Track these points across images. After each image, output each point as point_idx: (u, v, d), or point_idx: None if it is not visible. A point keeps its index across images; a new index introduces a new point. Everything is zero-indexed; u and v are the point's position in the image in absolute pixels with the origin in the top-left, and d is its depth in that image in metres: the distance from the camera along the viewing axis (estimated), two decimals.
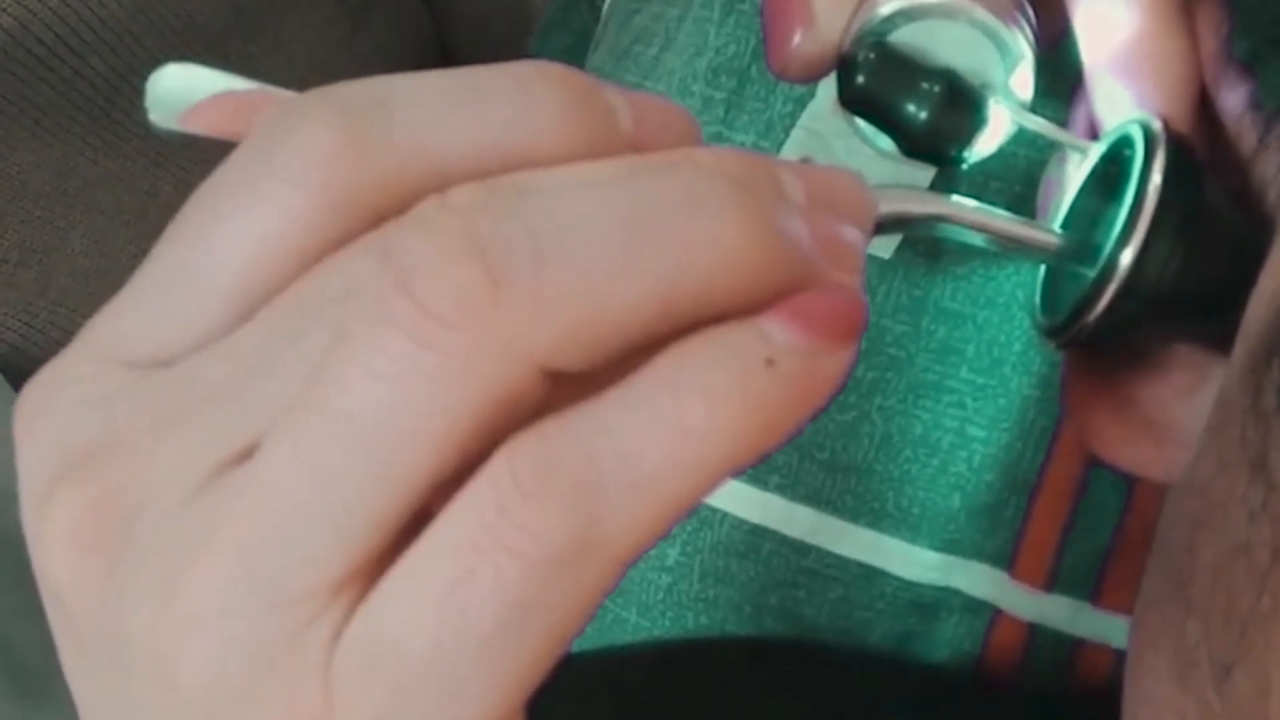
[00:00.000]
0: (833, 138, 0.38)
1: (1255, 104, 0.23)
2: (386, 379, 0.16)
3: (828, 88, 0.39)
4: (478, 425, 0.16)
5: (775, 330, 0.17)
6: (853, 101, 0.26)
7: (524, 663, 0.16)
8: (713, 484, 0.17)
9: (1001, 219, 0.23)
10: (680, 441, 0.16)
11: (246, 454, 0.17)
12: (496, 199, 0.17)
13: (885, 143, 0.27)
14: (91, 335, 0.18)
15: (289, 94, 0.19)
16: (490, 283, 0.16)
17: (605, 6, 0.47)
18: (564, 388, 0.17)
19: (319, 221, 0.17)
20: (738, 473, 0.17)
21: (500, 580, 0.16)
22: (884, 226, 0.21)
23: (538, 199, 0.17)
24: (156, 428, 0.18)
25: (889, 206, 0.20)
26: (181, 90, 0.20)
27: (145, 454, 0.17)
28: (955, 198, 0.23)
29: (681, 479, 0.16)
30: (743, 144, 0.40)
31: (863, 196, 0.19)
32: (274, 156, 0.17)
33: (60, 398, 0.18)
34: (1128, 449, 0.24)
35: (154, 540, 0.17)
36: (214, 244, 0.18)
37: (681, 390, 0.16)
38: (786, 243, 0.17)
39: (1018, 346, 0.37)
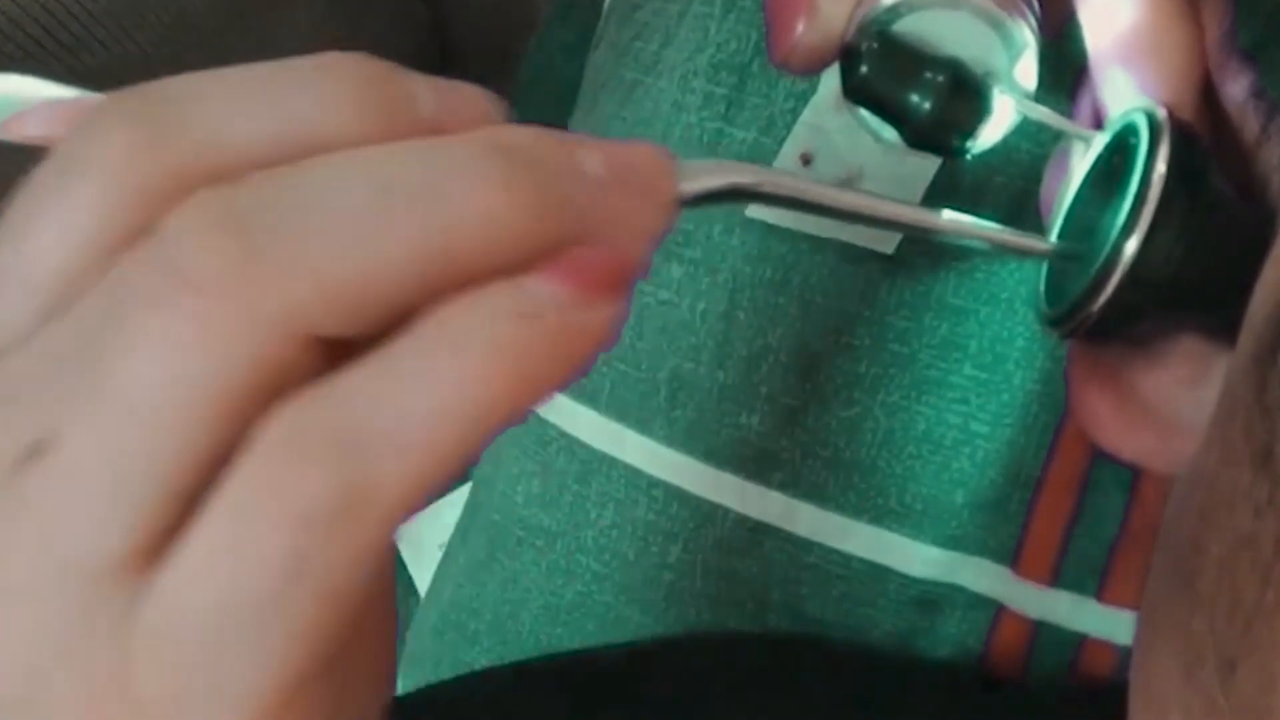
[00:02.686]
0: (835, 132, 0.38)
1: (1258, 93, 0.23)
2: (154, 355, 0.17)
3: (830, 83, 0.39)
4: (248, 394, 0.17)
5: (535, 285, 0.17)
6: (856, 92, 0.26)
7: (309, 623, 0.17)
8: (478, 438, 0.17)
9: (830, 190, 0.22)
10: (438, 396, 0.17)
11: (48, 444, 0.17)
12: (265, 179, 0.17)
13: (889, 133, 0.27)
14: None
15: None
16: (242, 251, 0.16)
17: (606, 2, 0.46)
18: (350, 356, 0.17)
19: (118, 215, 0.18)
20: (508, 424, 0.17)
21: (269, 544, 0.16)
22: (710, 198, 0.21)
23: (303, 176, 0.17)
24: None
25: (697, 183, 0.21)
26: (9, 99, 0.20)
27: None
28: (785, 171, 0.23)
29: (443, 433, 0.17)
30: (744, 140, 0.39)
31: (661, 170, 0.20)
32: (77, 156, 0.18)
33: None
34: (1130, 439, 0.24)
35: None
36: (24, 244, 0.18)
37: (438, 346, 0.17)
38: (554, 208, 0.18)
39: (1020, 342, 0.37)
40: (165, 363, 0.16)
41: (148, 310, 0.17)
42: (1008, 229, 0.25)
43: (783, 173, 0.22)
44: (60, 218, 0.18)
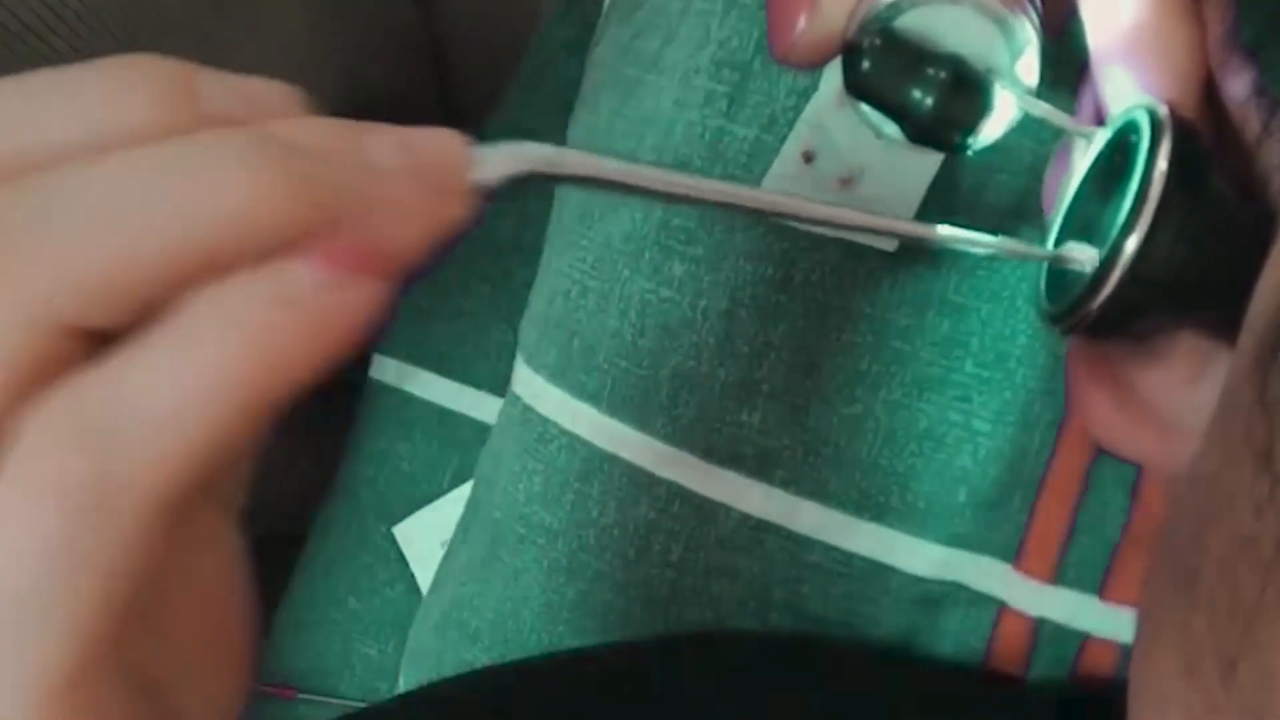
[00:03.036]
0: (836, 130, 0.38)
1: (1259, 91, 0.23)
2: None
3: (831, 80, 0.39)
4: (9, 388, 0.17)
5: (292, 269, 0.18)
6: (858, 88, 0.26)
7: (81, 611, 0.17)
8: (237, 423, 0.17)
9: (636, 168, 0.22)
10: (190, 381, 0.17)
11: None
12: (25, 181, 0.17)
13: (891, 129, 0.27)
14: None
15: None
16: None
17: (606, 1, 0.46)
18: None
19: None
20: (271, 407, 0.18)
21: (29, 533, 0.16)
22: (514, 184, 0.21)
23: (60, 174, 0.17)
24: None
25: (493, 170, 0.20)
26: None
27: None
28: (584, 152, 0.21)
29: (197, 419, 0.17)
30: (746, 137, 0.39)
31: (454, 159, 0.20)
32: None
33: None
34: (1130, 437, 0.24)
35: None
36: None
37: (191, 332, 0.17)
38: (314, 195, 0.18)
39: (1022, 340, 0.37)
40: None
41: None
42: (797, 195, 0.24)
43: (582, 154, 0.22)
44: None
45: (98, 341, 0.17)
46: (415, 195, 0.19)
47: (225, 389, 0.17)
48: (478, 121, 0.61)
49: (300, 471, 0.63)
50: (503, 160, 0.21)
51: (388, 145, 0.19)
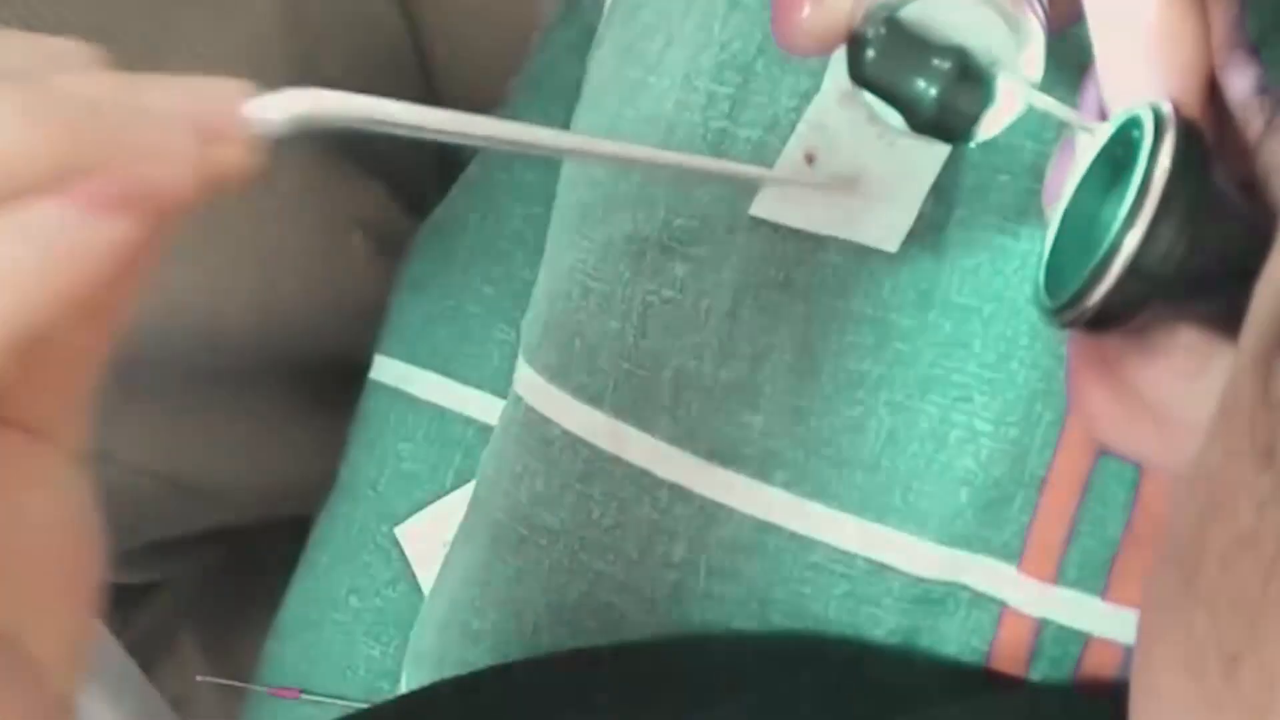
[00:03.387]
0: (838, 131, 0.38)
1: (1262, 89, 0.23)
2: None
3: (832, 81, 0.39)
4: None
5: (39, 205, 0.18)
6: (862, 77, 0.26)
7: None
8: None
9: (420, 111, 0.22)
10: None
11: None
12: None
13: (895, 119, 0.27)
14: None
15: None
16: None
17: (608, 2, 0.46)
18: None
19: None
20: (20, 345, 0.18)
21: None
22: (301, 127, 0.21)
23: None
24: None
25: (268, 113, 0.21)
26: None
27: None
28: (371, 98, 0.22)
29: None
30: (749, 139, 0.39)
31: (230, 104, 0.20)
32: None
33: None
34: (1130, 434, 0.24)
35: None
36: None
37: None
38: (74, 138, 0.18)
39: (1024, 340, 0.37)
40: None
41: None
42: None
43: (367, 98, 0.22)
44: None
45: None
46: (184, 139, 0.19)
47: None
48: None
49: (305, 458, 0.64)
50: (282, 104, 0.21)
51: (165, 92, 0.20)
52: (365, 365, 0.59)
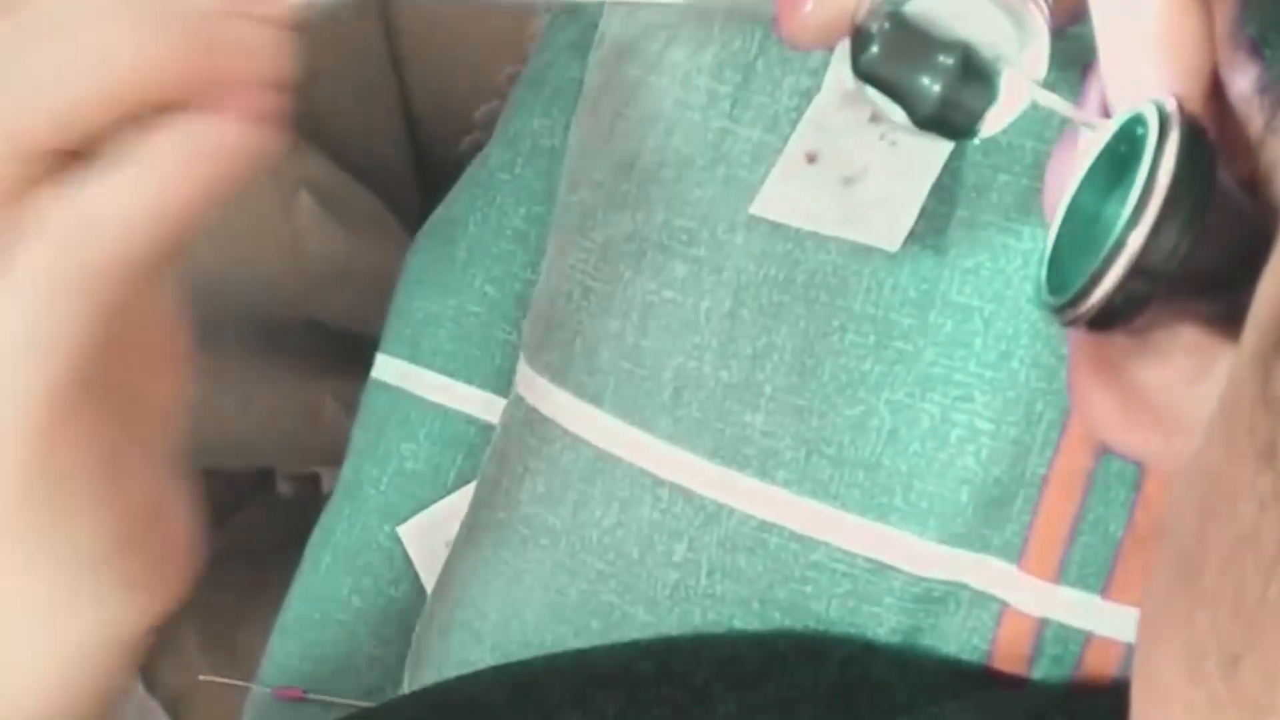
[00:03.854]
0: (839, 130, 0.38)
1: (1264, 87, 0.23)
2: None
3: (833, 81, 0.39)
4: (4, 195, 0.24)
5: (200, 118, 0.24)
6: (866, 72, 0.26)
7: (55, 366, 0.24)
8: (168, 227, 0.24)
9: None
10: (145, 193, 0.24)
11: None
12: None
13: (898, 114, 0.27)
14: None
15: None
16: None
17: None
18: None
19: None
20: (197, 215, 0.24)
21: (30, 306, 0.23)
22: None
23: (18, 40, 0.24)
24: None
25: None
26: None
27: None
28: None
29: (147, 219, 0.24)
30: (749, 138, 0.39)
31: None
32: None
33: None
34: (1132, 434, 0.24)
35: None
36: None
37: (141, 163, 0.24)
38: (192, 56, 0.24)
39: (1025, 339, 0.37)
40: None
41: None
42: None
43: None
44: None
45: (65, 161, 0.24)
46: (254, 31, 0.25)
47: (158, 205, 0.24)
48: (441, 132, 0.61)
49: (292, 415, 0.65)
50: None
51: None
52: (362, 337, 0.59)
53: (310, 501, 0.62)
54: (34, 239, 0.23)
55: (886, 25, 0.25)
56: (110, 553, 0.27)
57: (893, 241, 0.37)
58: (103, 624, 0.28)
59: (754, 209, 0.39)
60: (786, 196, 0.39)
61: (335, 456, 0.59)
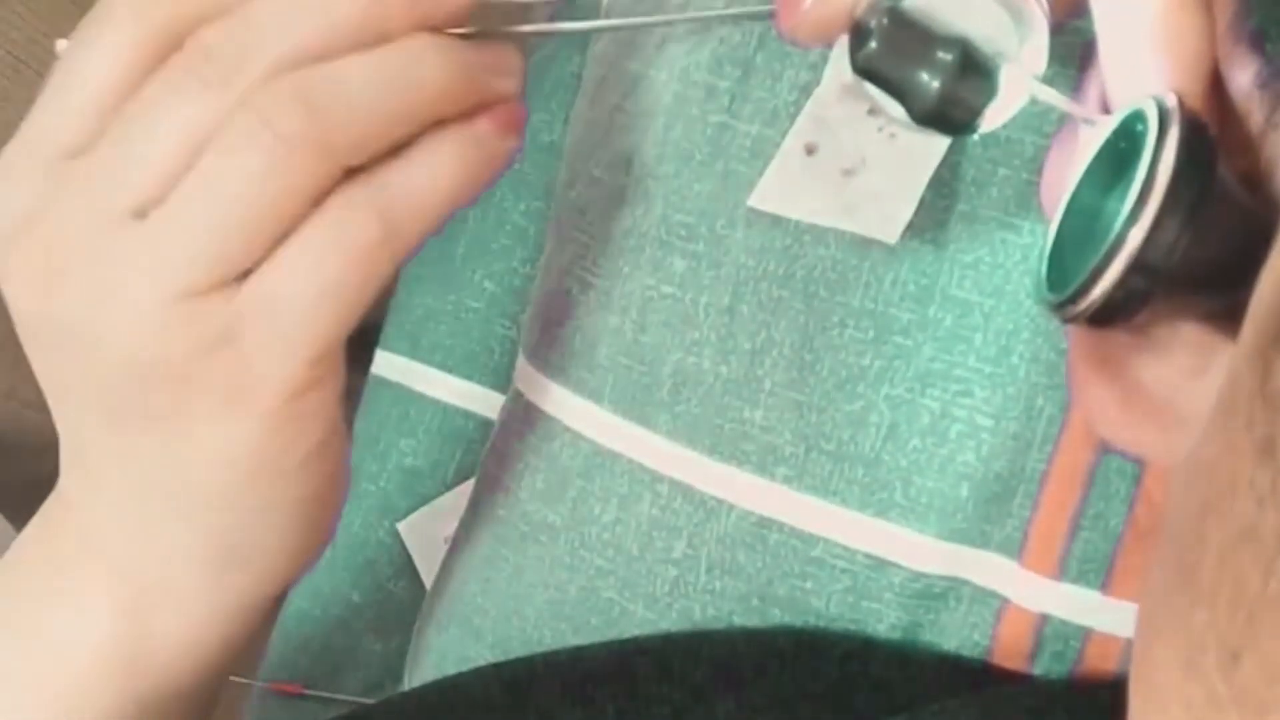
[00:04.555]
0: (838, 123, 0.38)
1: (1264, 82, 0.23)
2: (255, 168, 0.29)
3: (832, 74, 0.39)
4: (314, 190, 0.30)
5: (480, 125, 0.32)
6: (864, 68, 0.26)
7: (346, 305, 0.31)
8: (454, 206, 0.32)
9: None
10: (436, 180, 0.31)
11: (141, 207, 0.30)
12: (313, 73, 0.30)
13: (897, 110, 0.27)
14: (19, 138, 0.31)
15: None
16: (308, 121, 0.29)
17: None
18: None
19: (141, 49, 0.30)
20: (464, 203, 0.32)
21: (331, 265, 0.30)
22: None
23: (336, 70, 0.30)
24: (73, 194, 0.30)
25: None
26: None
27: (70, 210, 0.30)
28: None
29: (436, 204, 0.32)
30: (748, 133, 0.39)
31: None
32: (113, 10, 0.30)
33: (5, 182, 0.31)
34: (1132, 431, 0.24)
35: (87, 262, 0.30)
36: (78, 69, 0.31)
37: (433, 158, 0.32)
38: (470, 80, 0.32)
39: (1025, 335, 0.37)
40: (268, 170, 0.29)
41: (253, 148, 0.29)
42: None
43: None
44: (101, 52, 0.30)
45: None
46: (502, 54, 0.33)
47: (455, 188, 0.32)
48: None
49: None
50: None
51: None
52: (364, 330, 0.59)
53: None
54: (345, 209, 0.30)
55: (885, 21, 0.25)
56: (302, 512, 0.33)
57: (891, 233, 0.37)
58: (270, 574, 0.35)
59: (752, 201, 0.39)
60: (785, 189, 0.38)
61: None
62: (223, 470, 0.32)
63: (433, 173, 0.31)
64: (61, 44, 0.32)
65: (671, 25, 0.36)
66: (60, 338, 0.31)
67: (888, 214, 0.37)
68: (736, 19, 0.33)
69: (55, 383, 0.33)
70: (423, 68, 0.30)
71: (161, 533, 0.34)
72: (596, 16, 0.47)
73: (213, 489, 0.32)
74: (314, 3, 0.30)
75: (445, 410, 0.56)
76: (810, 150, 0.38)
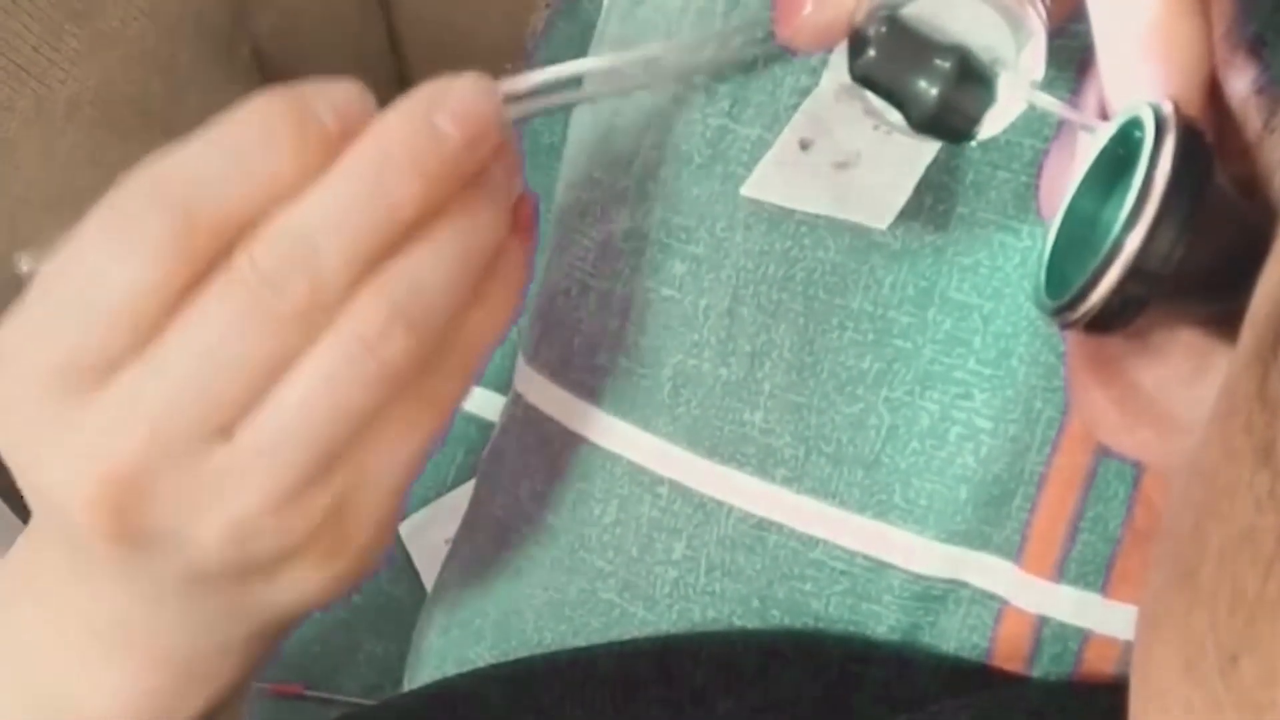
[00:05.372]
0: (834, 124, 0.38)
1: (1261, 89, 0.23)
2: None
3: (830, 75, 0.39)
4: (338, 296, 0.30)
5: (515, 251, 0.33)
6: (863, 76, 0.26)
7: (416, 472, 0.32)
8: (464, 282, 0.31)
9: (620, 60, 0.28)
10: (495, 320, 0.33)
11: (226, 426, 0.29)
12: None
13: (895, 117, 0.27)
14: (26, 352, 0.29)
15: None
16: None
17: None
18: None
19: (174, 271, 0.28)
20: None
21: (417, 437, 0.32)
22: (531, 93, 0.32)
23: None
24: (143, 418, 0.29)
25: (514, 86, 0.31)
26: None
27: (146, 435, 0.29)
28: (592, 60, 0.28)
29: (497, 335, 0.33)
30: (749, 136, 0.39)
31: (487, 105, 0.30)
32: (124, 232, 0.28)
33: (21, 405, 0.29)
34: (1130, 435, 0.24)
35: (177, 485, 0.29)
36: (107, 280, 0.28)
37: (451, 254, 0.31)
38: (451, 162, 0.30)
39: (1025, 337, 0.37)
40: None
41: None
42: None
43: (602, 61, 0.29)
44: (131, 275, 0.28)
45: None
46: (486, 146, 0.31)
47: (503, 321, 0.33)
48: None
49: None
50: (528, 79, 0.32)
51: (445, 119, 0.30)
52: None
53: None
54: (373, 308, 0.29)
55: (883, 29, 0.25)
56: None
57: (883, 220, 0.37)
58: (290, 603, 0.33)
59: (745, 190, 0.39)
60: (778, 179, 0.39)
61: None
62: (279, 613, 0.33)
63: (493, 316, 0.32)
64: (27, 261, 0.29)
65: (660, 64, 0.36)
66: (141, 553, 0.30)
67: (879, 201, 0.37)
68: (714, 67, 0.33)
69: (123, 573, 0.32)
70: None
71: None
72: (597, 14, 0.47)
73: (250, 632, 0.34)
74: (370, 196, 0.29)
75: None
76: (805, 145, 0.38)
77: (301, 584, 0.32)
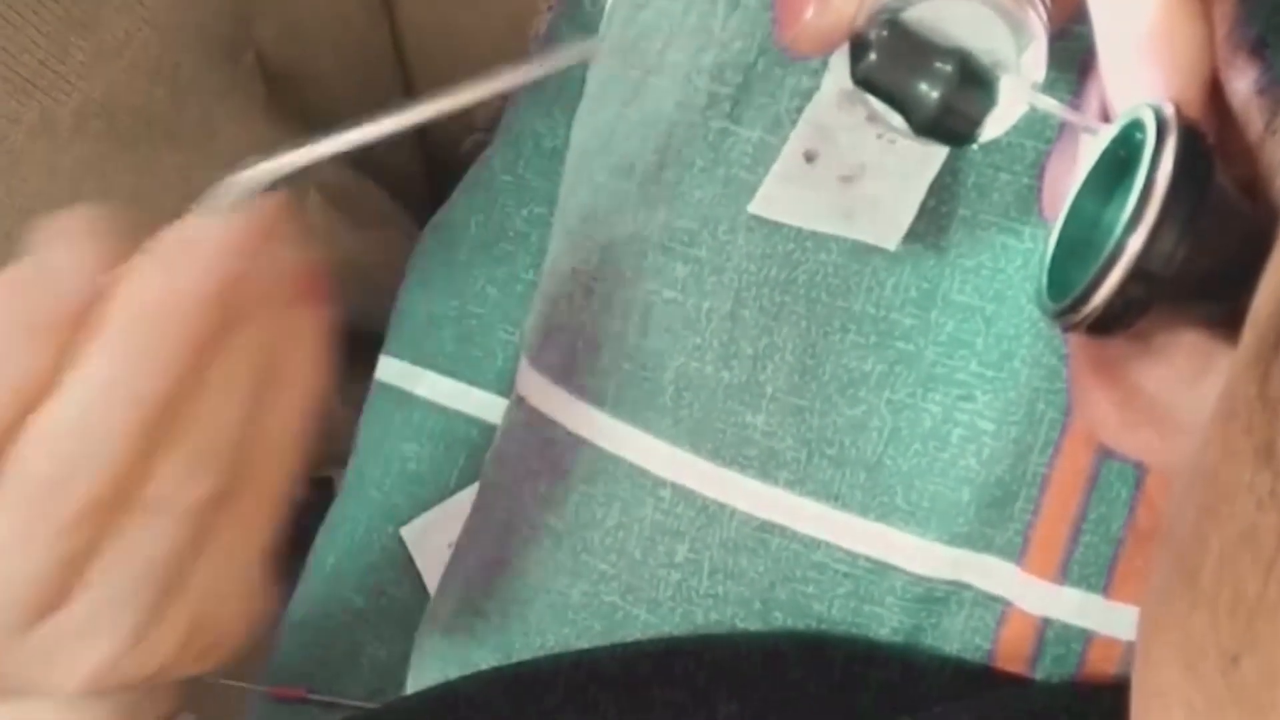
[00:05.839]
0: (838, 130, 0.38)
1: (1262, 90, 0.23)
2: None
3: (832, 81, 0.39)
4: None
5: (243, 332, 0.29)
6: (864, 80, 0.26)
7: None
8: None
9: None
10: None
11: (50, 606, 0.29)
12: (65, 450, 0.28)
13: (897, 121, 0.27)
14: None
15: None
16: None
17: (609, 2, 0.47)
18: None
19: None
20: None
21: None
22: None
23: (87, 440, 0.27)
24: None
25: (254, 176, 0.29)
26: None
27: None
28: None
29: (244, 411, 0.30)
30: (750, 139, 0.39)
31: (228, 246, 0.29)
32: None
33: None
34: (1132, 435, 0.24)
35: (24, 663, 0.29)
36: None
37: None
38: (204, 316, 0.28)
39: (1027, 339, 0.37)
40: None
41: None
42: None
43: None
44: None
45: None
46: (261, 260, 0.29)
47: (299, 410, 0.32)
48: (445, 132, 0.61)
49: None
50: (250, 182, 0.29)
51: (199, 266, 0.28)
52: (371, 335, 0.59)
53: (325, 505, 0.62)
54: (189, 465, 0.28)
55: (885, 33, 0.25)
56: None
57: (891, 240, 0.37)
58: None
59: (752, 208, 0.39)
60: (785, 196, 0.39)
61: (346, 459, 0.60)
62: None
63: (292, 405, 0.31)
64: None
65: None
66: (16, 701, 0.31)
67: (887, 220, 0.37)
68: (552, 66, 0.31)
69: None
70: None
71: None
72: (599, 18, 0.47)
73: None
74: (130, 377, 0.27)
75: (448, 415, 0.56)
76: (810, 157, 0.38)
77: (185, 671, 0.32)
